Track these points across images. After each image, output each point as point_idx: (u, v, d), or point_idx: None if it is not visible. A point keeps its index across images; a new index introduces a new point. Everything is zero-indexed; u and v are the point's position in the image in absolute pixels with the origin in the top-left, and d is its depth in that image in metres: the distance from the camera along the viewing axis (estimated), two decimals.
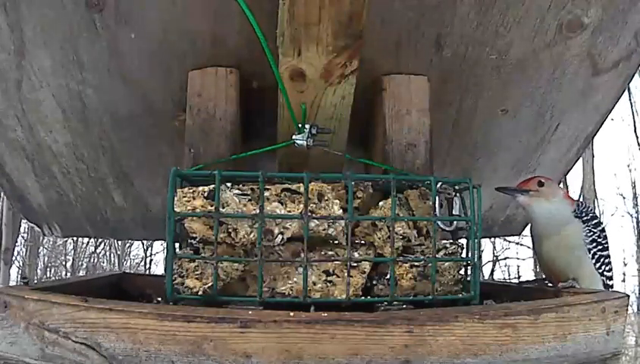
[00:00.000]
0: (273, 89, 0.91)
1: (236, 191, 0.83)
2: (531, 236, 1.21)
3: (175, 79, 1.06)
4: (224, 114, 1.02)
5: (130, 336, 0.69)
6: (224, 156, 0.99)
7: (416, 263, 0.83)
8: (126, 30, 0.98)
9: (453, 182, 0.90)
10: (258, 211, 0.79)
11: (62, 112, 1.16)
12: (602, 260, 1.12)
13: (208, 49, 1.01)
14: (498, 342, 0.72)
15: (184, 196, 0.81)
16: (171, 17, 0.96)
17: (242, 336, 0.69)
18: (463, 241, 0.89)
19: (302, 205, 0.80)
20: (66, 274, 9.23)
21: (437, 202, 0.85)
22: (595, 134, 1.32)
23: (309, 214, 0.79)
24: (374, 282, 0.85)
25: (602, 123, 1.29)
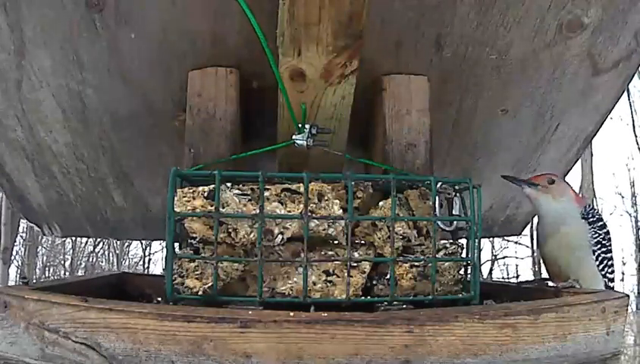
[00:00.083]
0: (273, 89, 0.91)
1: (236, 191, 0.83)
2: (537, 233, 1.22)
3: (175, 79, 1.06)
4: (224, 114, 1.02)
5: (130, 336, 0.69)
6: (224, 156, 0.99)
7: (416, 263, 0.84)
8: (126, 30, 0.98)
9: (453, 182, 0.90)
10: (258, 211, 0.79)
11: (62, 112, 1.16)
12: (605, 262, 1.13)
13: (208, 49, 1.01)
14: (498, 342, 0.72)
15: (184, 196, 0.81)
16: (171, 17, 0.96)
17: (242, 336, 0.69)
18: (463, 241, 0.89)
19: (302, 205, 0.80)
20: (64, 274, 9.24)
21: (437, 202, 0.85)
22: (595, 134, 1.32)
23: (309, 214, 0.79)
24: (374, 282, 0.85)
25: (602, 124, 1.29)
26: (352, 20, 0.75)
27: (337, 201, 0.83)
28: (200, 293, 0.79)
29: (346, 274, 0.80)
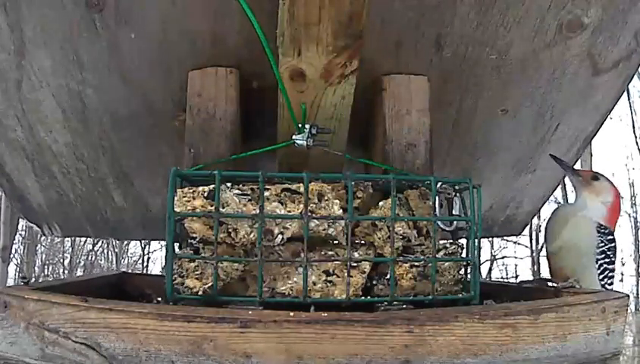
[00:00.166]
0: (273, 89, 0.91)
1: (236, 191, 0.83)
2: (548, 222, 1.23)
3: (175, 79, 1.06)
4: (224, 114, 1.01)
5: (130, 336, 0.69)
6: (224, 156, 0.99)
7: (416, 263, 0.84)
8: (126, 30, 0.97)
9: (453, 182, 0.90)
10: (258, 211, 0.79)
11: (62, 112, 1.15)
12: (606, 273, 1.15)
13: (208, 49, 1.01)
14: (498, 342, 0.72)
15: (184, 196, 0.81)
16: (171, 17, 0.96)
17: (242, 336, 0.69)
18: (463, 241, 0.89)
19: (302, 205, 0.80)
20: (64, 272, 9.23)
21: (437, 202, 0.85)
22: (595, 134, 1.32)
23: (309, 214, 0.79)
24: (374, 282, 0.85)
25: (602, 124, 1.29)
26: (352, 20, 0.75)
27: (337, 201, 0.83)
28: (200, 293, 0.79)
29: (346, 274, 0.80)
